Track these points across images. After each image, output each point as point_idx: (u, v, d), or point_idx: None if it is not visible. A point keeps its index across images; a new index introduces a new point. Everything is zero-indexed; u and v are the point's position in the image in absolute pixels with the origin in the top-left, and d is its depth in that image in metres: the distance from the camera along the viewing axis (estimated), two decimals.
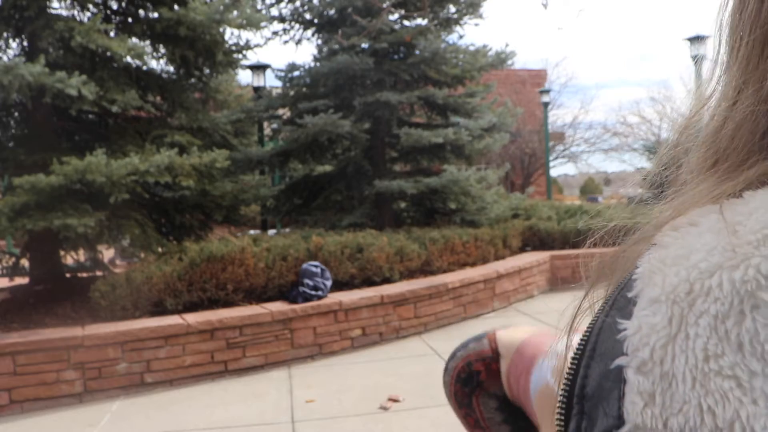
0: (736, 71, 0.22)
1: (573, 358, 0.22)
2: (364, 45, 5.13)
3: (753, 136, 0.21)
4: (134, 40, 3.98)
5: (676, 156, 0.25)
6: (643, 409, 0.18)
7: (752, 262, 0.17)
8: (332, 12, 5.40)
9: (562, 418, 0.22)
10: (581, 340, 0.22)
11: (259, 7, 5.31)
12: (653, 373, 0.18)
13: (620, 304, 0.21)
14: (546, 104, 10.82)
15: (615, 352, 0.19)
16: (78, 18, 4.05)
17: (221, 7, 3.99)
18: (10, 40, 3.95)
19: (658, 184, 0.26)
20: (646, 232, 0.22)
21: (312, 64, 5.43)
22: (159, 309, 3.36)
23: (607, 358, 0.20)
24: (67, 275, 4.34)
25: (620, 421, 0.18)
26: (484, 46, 5.50)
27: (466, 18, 5.53)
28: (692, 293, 0.18)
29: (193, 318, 3.20)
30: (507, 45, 5.67)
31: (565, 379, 0.22)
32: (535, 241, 5.64)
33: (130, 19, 4.24)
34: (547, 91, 10.83)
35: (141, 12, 4.27)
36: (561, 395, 0.22)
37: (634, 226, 0.24)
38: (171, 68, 4.52)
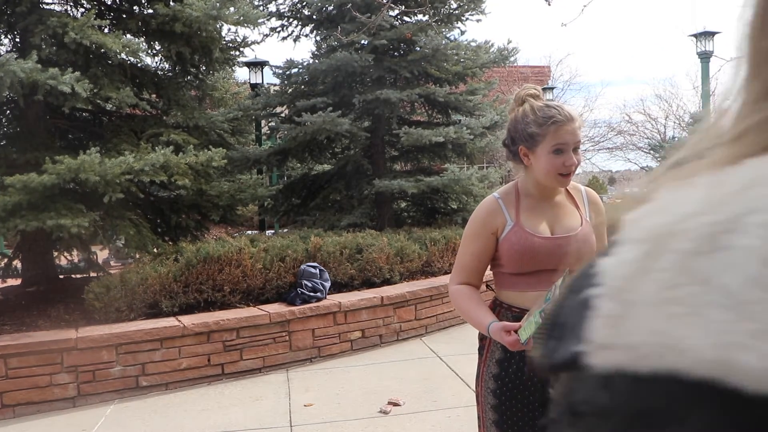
0: (761, 82, 0.23)
1: (558, 298, 0.24)
2: (364, 41, 5.06)
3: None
4: (129, 36, 3.92)
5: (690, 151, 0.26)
6: (604, 329, 0.20)
7: (726, 207, 0.19)
8: (331, 8, 5.33)
9: (541, 344, 0.24)
10: (567, 285, 0.24)
11: (256, 3, 5.25)
12: (618, 299, 0.20)
13: (606, 249, 0.23)
14: (549, 105, 10.73)
15: (588, 284, 0.22)
16: (71, 13, 3.98)
17: (218, 3, 3.93)
18: (2, 36, 3.89)
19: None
20: (648, 191, 0.24)
21: (310, 61, 5.36)
22: (154, 311, 3.31)
23: (582, 290, 0.22)
24: (61, 276, 4.29)
25: (585, 341, 0.21)
26: (486, 43, 5.44)
27: (467, 14, 5.47)
28: (667, 234, 0.20)
29: (189, 320, 3.15)
30: (509, 41, 5.60)
31: (547, 315, 0.25)
32: None
33: (124, 15, 4.18)
34: (551, 89, 10.79)
35: (136, 8, 4.21)
36: (543, 327, 0.24)
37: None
38: (167, 65, 4.46)
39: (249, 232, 5.80)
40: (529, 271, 1.24)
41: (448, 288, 1.37)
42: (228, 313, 3.29)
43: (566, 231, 1.26)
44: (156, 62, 4.43)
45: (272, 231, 5.84)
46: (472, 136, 5.04)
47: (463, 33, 7.98)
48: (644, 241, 0.20)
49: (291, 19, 5.59)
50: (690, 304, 0.18)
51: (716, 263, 0.18)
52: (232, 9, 4.09)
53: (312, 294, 3.51)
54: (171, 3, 4.05)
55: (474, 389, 1.33)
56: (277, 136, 5.85)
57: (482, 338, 1.30)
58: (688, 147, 0.25)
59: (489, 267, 1.33)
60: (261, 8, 5.19)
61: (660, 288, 0.19)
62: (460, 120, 5.13)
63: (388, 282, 4.03)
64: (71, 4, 4.04)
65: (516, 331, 1.12)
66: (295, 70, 5.35)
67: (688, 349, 0.18)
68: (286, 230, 5.40)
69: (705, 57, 7.51)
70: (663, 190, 0.22)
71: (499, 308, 1.29)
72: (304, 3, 5.44)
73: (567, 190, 1.32)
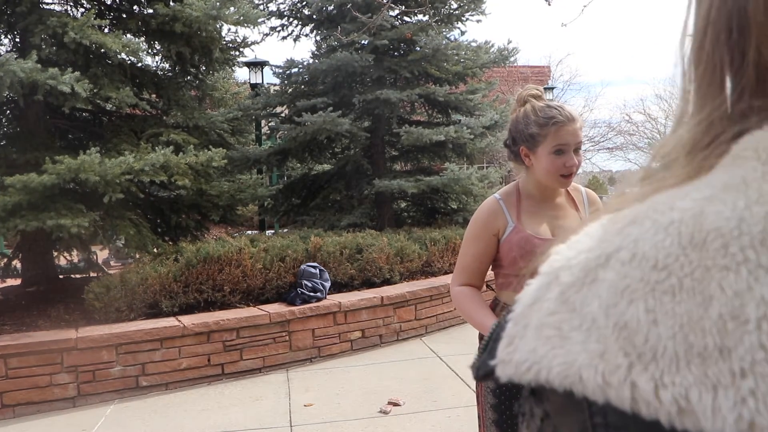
0: (702, 80, 0.24)
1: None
2: (364, 41, 5.06)
3: (705, 145, 0.24)
4: (129, 36, 3.92)
5: (662, 159, 0.27)
6: (505, 348, 0.23)
7: (603, 245, 0.22)
8: (331, 8, 5.33)
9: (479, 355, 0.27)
10: None
11: (256, 2, 5.25)
12: (519, 324, 0.23)
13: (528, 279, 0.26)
14: (550, 104, 10.74)
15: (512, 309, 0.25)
16: (71, 13, 3.98)
17: (218, 3, 3.93)
18: (2, 36, 3.89)
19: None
20: (584, 224, 0.26)
21: (310, 61, 5.36)
22: (154, 311, 3.31)
23: (509, 314, 0.25)
24: (61, 276, 4.29)
25: (495, 356, 0.24)
26: (486, 43, 5.44)
27: (467, 14, 5.47)
28: (561, 268, 0.23)
29: (189, 320, 3.15)
30: (509, 41, 5.62)
31: (493, 328, 0.27)
32: None
33: (124, 15, 4.18)
34: (551, 89, 10.79)
35: (136, 8, 4.21)
36: (484, 341, 0.27)
37: None
38: (166, 65, 4.46)
39: (249, 232, 5.80)
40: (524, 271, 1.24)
41: (449, 289, 1.37)
42: (228, 313, 3.29)
43: (567, 232, 1.26)
44: (156, 62, 4.43)
45: (272, 231, 5.84)
46: (472, 136, 5.04)
47: (463, 33, 7.99)
48: (546, 273, 0.23)
49: (291, 19, 5.59)
50: (559, 328, 0.21)
51: (585, 294, 0.21)
52: (232, 9, 4.09)
53: (312, 294, 3.51)
54: (171, 3, 4.05)
55: (474, 389, 1.33)
56: (277, 136, 5.84)
57: (482, 338, 1.28)
58: (639, 172, 0.27)
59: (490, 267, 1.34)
60: (261, 8, 5.19)
61: (542, 315, 0.22)
62: (460, 120, 5.13)
63: (388, 282, 4.03)
64: (71, 4, 4.04)
65: None
66: (295, 70, 5.35)
67: (547, 365, 0.21)
68: (286, 230, 5.40)
69: None
70: (591, 224, 0.24)
71: (499, 308, 1.29)
72: (305, 3, 5.44)
73: (567, 192, 1.33)
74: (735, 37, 0.22)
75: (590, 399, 0.20)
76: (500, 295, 1.31)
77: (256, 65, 6.39)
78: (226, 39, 4.47)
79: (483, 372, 0.25)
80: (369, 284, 3.98)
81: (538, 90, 1.32)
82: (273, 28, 5.60)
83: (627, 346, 0.19)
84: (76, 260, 4.43)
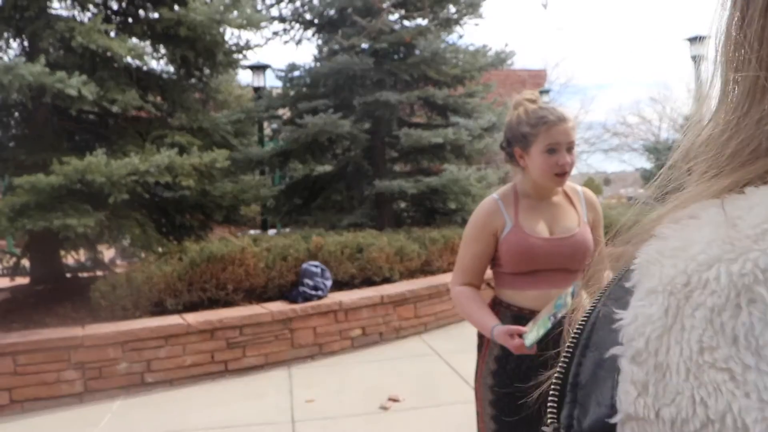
0: (743, 87, 0.22)
1: (568, 347, 0.22)
2: (364, 45, 5.13)
3: (759, 148, 0.22)
4: (134, 40, 3.98)
5: (685, 161, 0.25)
6: (636, 399, 0.18)
7: (750, 256, 0.18)
8: (332, 12, 5.40)
9: (555, 406, 0.22)
10: (576, 329, 0.22)
11: (259, 7, 5.31)
12: (647, 364, 0.18)
13: (617, 294, 0.21)
14: (544, 106, 10.78)
15: (610, 341, 0.20)
16: (78, 18, 4.04)
17: (221, 8, 3.99)
18: (11, 41, 3.95)
19: (665, 187, 0.26)
20: (647, 225, 0.23)
21: (312, 65, 5.43)
22: (159, 309, 3.36)
23: (602, 348, 0.20)
24: (68, 275, 4.34)
25: (612, 410, 0.19)
26: (484, 46, 5.50)
27: (465, 18, 5.53)
28: (689, 285, 0.18)
29: (193, 318, 3.20)
30: (507, 45, 5.69)
31: (560, 367, 0.22)
32: None
33: (130, 20, 4.24)
34: (547, 92, 10.83)
35: (141, 12, 4.27)
36: (554, 383, 0.22)
37: (638, 223, 0.25)
38: (171, 68, 4.52)
39: (252, 231, 5.85)
40: (527, 271, 1.26)
41: (449, 288, 1.37)
42: (231, 311, 3.33)
43: (565, 232, 1.28)
44: (161, 66, 4.49)
45: (274, 231, 5.89)
46: (470, 138, 5.10)
47: (461, 37, 8.06)
48: (664, 293, 0.19)
49: (293, 23, 5.66)
50: (728, 370, 0.16)
51: (748, 321, 0.17)
52: (235, 13, 4.15)
53: (313, 292, 3.56)
54: (176, 7, 4.11)
55: (471, 385, 1.35)
56: (279, 138, 5.90)
57: (481, 335, 1.32)
58: (677, 158, 0.24)
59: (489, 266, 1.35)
60: (264, 12, 5.26)
61: (690, 352, 0.17)
62: (458, 122, 5.19)
63: (388, 281, 4.07)
64: (78, 9, 4.11)
65: (521, 335, 1.14)
66: (297, 73, 5.41)
67: (737, 423, 0.16)
68: (288, 230, 5.45)
69: (698, 60, 7.56)
70: (666, 225, 0.21)
71: (498, 307, 1.30)
72: (306, 7, 5.50)
73: (564, 191, 1.34)
74: None
75: None
76: (500, 293, 1.32)
77: (259, 68, 6.46)
78: (230, 43, 4.53)
79: (588, 431, 0.19)
80: (369, 283, 4.02)
81: (533, 94, 1.35)
82: (275, 33, 5.67)
83: None
84: (82, 259, 4.49)
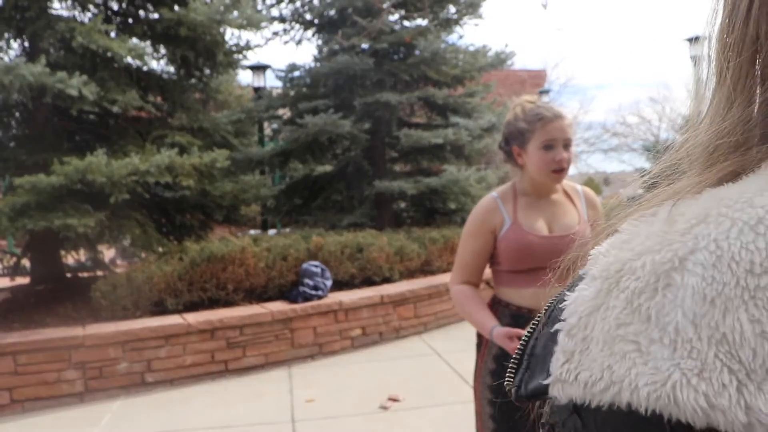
0: (725, 90, 0.23)
1: (533, 323, 0.25)
2: (364, 45, 5.13)
3: (737, 146, 0.23)
4: (135, 40, 3.99)
5: (676, 161, 0.27)
6: (563, 364, 0.21)
7: (673, 246, 0.20)
8: (332, 12, 5.41)
9: (513, 372, 0.25)
10: (543, 309, 0.25)
11: (259, 7, 5.32)
12: (577, 336, 0.21)
13: (574, 281, 0.24)
14: (542, 105, 10.79)
15: (557, 318, 0.23)
16: (79, 19, 4.05)
17: (221, 8, 4.00)
18: (12, 41, 3.96)
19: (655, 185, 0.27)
20: (616, 221, 0.25)
21: (312, 65, 5.44)
22: (159, 309, 3.37)
23: (552, 324, 0.23)
24: (68, 275, 4.35)
25: (548, 375, 0.22)
26: (484, 47, 5.51)
27: (465, 18, 5.54)
28: (621, 271, 0.21)
29: (193, 318, 3.20)
30: (506, 45, 5.70)
31: (523, 339, 0.25)
32: None
33: (130, 20, 4.25)
34: (547, 92, 10.84)
35: (141, 12, 4.28)
36: (516, 352, 0.25)
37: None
38: (171, 69, 4.53)
39: (252, 231, 5.85)
40: (526, 269, 1.26)
41: (448, 287, 1.37)
42: (231, 311, 3.34)
43: (564, 229, 1.28)
44: (161, 66, 4.50)
45: (275, 231, 5.89)
46: (470, 138, 5.11)
47: (461, 37, 8.07)
48: (600, 278, 0.21)
49: (293, 23, 5.66)
50: (635, 342, 0.19)
51: (661, 302, 0.19)
52: (235, 13, 4.16)
53: (313, 292, 3.57)
54: (176, 8, 4.12)
55: (470, 384, 1.35)
56: (280, 138, 5.91)
57: (480, 335, 1.32)
58: (666, 161, 0.26)
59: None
60: (264, 12, 5.27)
61: (609, 326, 0.20)
62: (458, 122, 5.20)
63: (388, 281, 4.08)
64: (79, 9, 4.11)
65: (520, 338, 1.14)
66: (297, 73, 5.42)
67: (630, 386, 0.18)
68: (288, 230, 5.46)
69: (698, 61, 7.60)
70: (629, 221, 0.23)
71: (497, 305, 1.30)
72: (306, 7, 5.51)
73: (564, 190, 1.35)
74: None
75: (683, 422, 0.17)
76: (498, 292, 1.32)
77: (259, 69, 6.47)
78: (230, 43, 4.54)
79: (529, 392, 0.22)
80: (369, 283, 4.03)
81: (532, 97, 1.36)
82: (275, 33, 5.68)
83: (731, 362, 0.17)
84: (83, 259, 4.49)
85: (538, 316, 0.25)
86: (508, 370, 0.25)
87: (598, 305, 0.21)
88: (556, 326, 0.22)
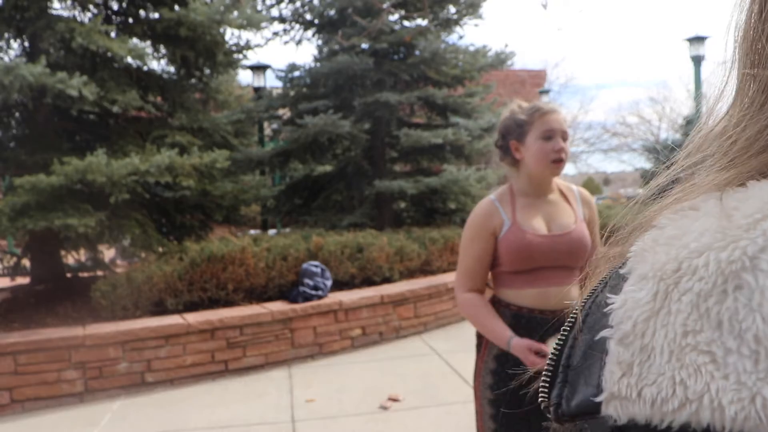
0: (759, 83, 0.22)
1: (563, 330, 0.23)
2: (364, 45, 5.14)
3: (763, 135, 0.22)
4: (135, 40, 3.99)
5: (697, 153, 0.25)
6: (620, 379, 0.18)
7: (740, 244, 0.18)
8: (332, 12, 5.41)
9: (547, 386, 0.22)
10: (572, 314, 0.23)
11: (259, 7, 5.33)
12: (633, 345, 0.18)
13: (613, 281, 0.22)
14: (538, 102, 10.80)
15: (601, 324, 0.20)
16: (79, 19, 4.05)
17: (222, 8, 4.01)
18: (12, 41, 3.96)
19: (669, 185, 0.26)
20: (649, 216, 0.23)
21: (312, 65, 5.44)
22: (160, 309, 3.37)
23: (594, 331, 0.20)
24: (68, 275, 4.35)
25: (599, 389, 0.19)
26: (484, 47, 5.52)
27: (465, 18, 5.55)
28: (679, 271, 0.19)
29: (193, 318, 3.21)
30: (506, 45, 5.71)
31: (554, 349, 0.23)
32: None
33: (130, 20, 4.25)
34: (547, 92, 10.85)
35: (142, 12, 4.29)
36: (548, 364, 0.22)
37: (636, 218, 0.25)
38: (171, 69, 4.54)
39: (252, 231, 5.86)
40: (526, 269, 1.26)
41: (455, 295, 1.35)
42: (231, 311, 3.34)
43: (562, 229, 1.29)
44: (161, 66, 4.51)
45: (275, 231, 5.90)
46: (470, 138, 5.11)
47: (461, 37, 8.08)
48: (654, 278, 0.19)
49: (293, 23, 5.67)
50: (710, 353, 0.17)
51: (733, 306, 0.17)
52: (235, 13, 4.17)
53: (313, 292, 3.57)
54: (176, 8, 4.12)
55: (470, 384, 1.35)
56: (280, 138, 5.92)
57: (480, 335, 1.32)
58: (684, 156, 0.24)
59: None
60: (264, 13, 5.27)
61: (674, 335, 0.18)
62: (458, 122, 5.20)
63: (387, 280, 4.08)
64: (79, 9, 4.12)
65: (539, 352, 1.15)
66: (297, 73, 5.43)
67: (712, 404, 0.16)
68: (288, 230, 5.46)
69: (698, 61, 7.60)
70: (665, 215, 0.21)
71: (497, 306, 1.30)
72: (306, 7, 5.52)
73: (560, 190, 1.35)
74: None
75: None
76: (499, 293, 1.32)
77: (259, 69, 6.48)
78: (230, 43, 4.55)
79: (574, 409, 0.20)
80: (369, 283, 4.03)
81: (527, 100, 1.40)
82: (275, 33, 5.69)
83: None
84: (83, 259, 4.49)
85: (569, 322, 0.23)
86: (541, 384, 0.22)
87: (657, 309, 0.18)
88: (603, 333, 0.20)
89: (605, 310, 0.20)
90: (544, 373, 0.23)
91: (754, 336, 0.16)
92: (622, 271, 0.21)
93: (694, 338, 0.17)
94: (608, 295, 0.21)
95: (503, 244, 1.28)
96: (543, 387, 0.22)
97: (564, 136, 1.28)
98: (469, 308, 1.30)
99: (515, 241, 1.26)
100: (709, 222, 0.19)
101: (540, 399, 0.22)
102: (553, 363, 0.22)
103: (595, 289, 0.23)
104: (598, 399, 0.19)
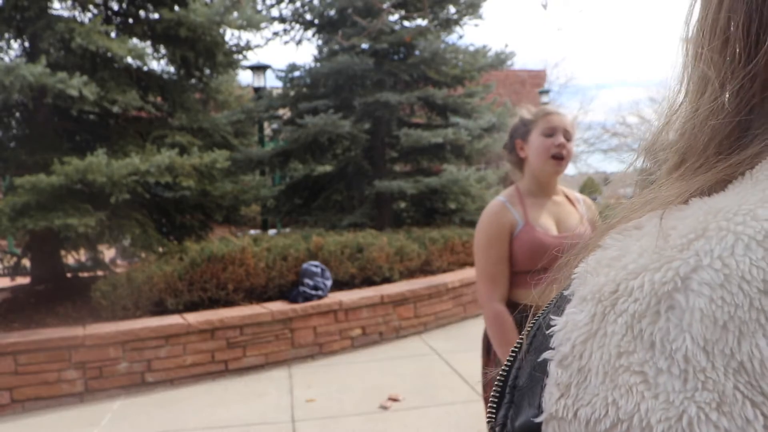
0: (697, 79, 0.22)
1: (512, 351, 0.23)
2: (365, 45, 5.14)
3: (711, 142, 0.22)
4: (135, 40, 3.99)
5: (651, 155, 0.25)
6: (558, 400, 0.19)
7: (673, 264, 0.18)
8: (332, 12, 5.42)
9: (495, 407, 0.22)
10: (520, 336, 0.23)
11: (259, 7, 5.33)
12: (571, 367, 0.19)
13: (558, 302, 0.22)
14: (545, 105, 10.84)
15: (545, 346, 0.21)
16: (79, 19, 4.06)
17: (222, 8, 4.01)
18: (12, 41, 3.96)
19: (642, 185, 0.26)
20: (596, 235, 0.23)
21: (312, 65, 5.45)
22: (160, 309, 3.38)
23: (539, 352, 0.21)
24: (68, 275, 4.35)
25: (539, 410, 0.20)
26: (484, 47, 5.53)
27: (465, 18, 5.56)
28: (617, 293, 0.19)
29: (193, 318, 3.21)
30: (506, 45, 5.72)
31: (502, 370, 0.23)
32: None
33: (130, 20, 4.26)
34: (547, 92, 10.85)
35: (142, 13, 4.29)
36: (496, 385, 0.23)
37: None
38: (171, 69, 4.54)
39: (252, 231, 5.87)
40: (538, 269, 1.24)
41: (483, 305, 1.28)
42: (231, 311, 3.34)
43: (569, 230, 1.30)
44: (161, 66, 4.51)
45: (275, 231, 5.90)
46: (470, 138, 5.12)
47: (461, 37, 8.08)
48: (592, 300, 0.19)
49: (293, 24, 5.68)
50: (642, 373, 0.17)
51: (665, 327, 0.17)
52: (235, 14, 4.17)
53: (313, 292, 3.57)
54: (176, 8, 4.13)
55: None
56: (280, 138, 5.92)
57: (487, 338, 1.31)
58: (645, 151, 0.24)
59: None
60: (264, 13, 5.28)
61: (609, 356, 0.18)
62: (458, 122, 5.20)
63: (387, 280, 4.09)
64: (79, 9, 4.12)
65: None
66: (297, 73, 5.43)
67: (641, 423, 0.16)
68: (288, 230, 5.46)
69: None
70: (611, 235, 0.21)
71: (508, 307, 1.29)
72: (306, 8, 5.52)
73: (565, 194, 1.37)
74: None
75: None
76: (511, 294, 1.29)
77: (259, 69, 6.48)
78: (230, 43, 4.55)
79: (517, 430, 0.20)
80: (369, 283, 4.04)
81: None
82: (276, 33, 5.69)
83: (752, 394, 0.15)
84: (83, 259, 4.50)
85: (518, 343, 0.23)
86: (489, 405, 0.23)
87: (594, 331, 0.19)
88: (544, 355, 0.20)
89: (548, 332, 0.20)
90: (492, 393, 0.23)
91: (684, 356, 0.17)
92: (566, 293, 0.21)
93: (628, 359, 0.18)
94: (552, 317, 0.21)
95: (517, 243, 1.27)
96: (491, 407, 0.23)
97: (567, 135, 1.29)
98: (497, 326, 1.25)
99: (529, 240, 1.26)
100: (648, 242, 0.19)
101: (487, 419, 0.23)
102: (501, 384, 0.23)
103: (544, 311, 0.23)
104: (538, 420, 0.19)
